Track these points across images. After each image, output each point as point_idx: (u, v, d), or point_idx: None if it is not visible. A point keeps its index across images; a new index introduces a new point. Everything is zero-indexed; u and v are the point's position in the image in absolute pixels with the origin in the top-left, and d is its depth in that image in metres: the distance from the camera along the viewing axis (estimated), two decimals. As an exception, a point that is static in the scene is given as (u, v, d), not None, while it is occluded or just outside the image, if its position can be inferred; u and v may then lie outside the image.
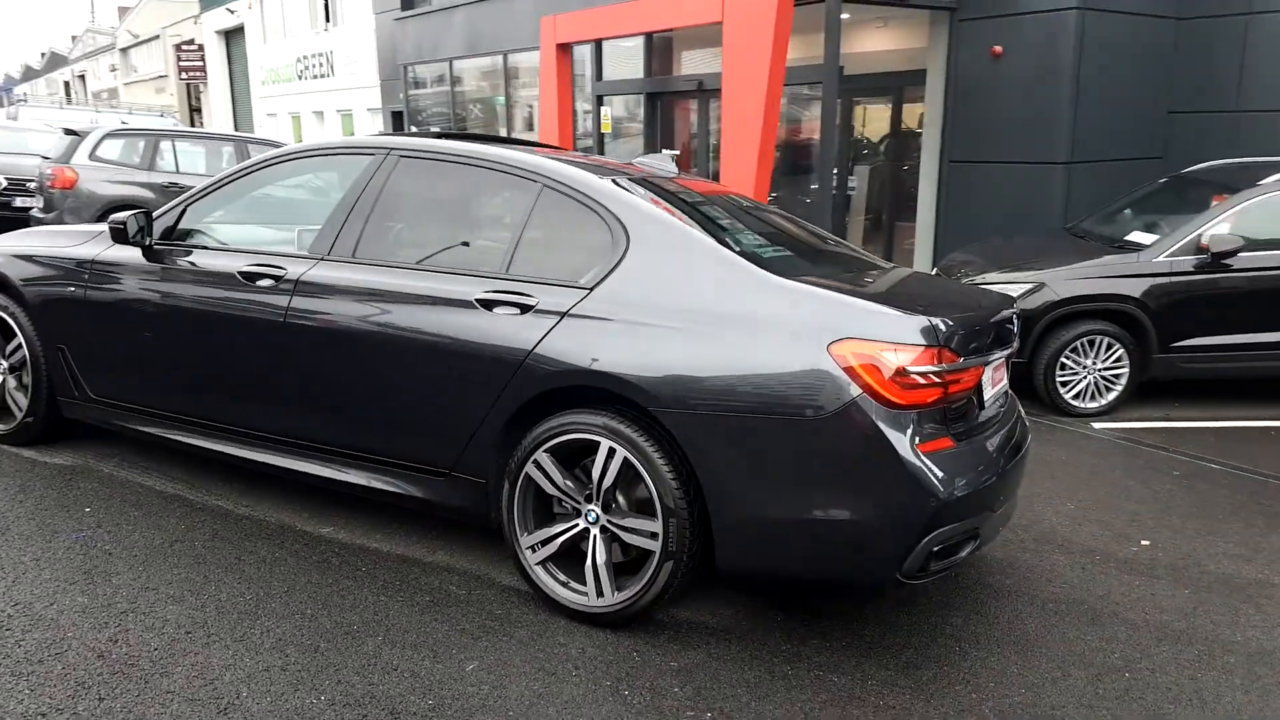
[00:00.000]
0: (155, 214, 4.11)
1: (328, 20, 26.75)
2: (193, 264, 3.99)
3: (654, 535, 3.05)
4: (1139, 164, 9.75)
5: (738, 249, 3.18)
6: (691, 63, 12.08)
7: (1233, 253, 6.25)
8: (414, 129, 19.55)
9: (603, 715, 2.71)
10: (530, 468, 3.24)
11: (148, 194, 11.43)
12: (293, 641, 3.01)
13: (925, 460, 2.80)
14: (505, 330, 3.25)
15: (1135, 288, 6.41)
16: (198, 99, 38.84)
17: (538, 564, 3.29)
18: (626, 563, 3.24)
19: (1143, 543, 4.21)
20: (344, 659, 2.93)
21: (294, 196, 4.53)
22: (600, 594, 3.17)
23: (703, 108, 11.22)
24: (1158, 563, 3.99)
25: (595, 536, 3.19)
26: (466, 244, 3.64)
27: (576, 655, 3.03)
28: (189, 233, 4.15)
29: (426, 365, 3.40)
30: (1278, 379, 6.64)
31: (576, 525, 3.23)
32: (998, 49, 9.47)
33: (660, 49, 12.04)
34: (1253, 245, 6.27)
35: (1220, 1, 9.37)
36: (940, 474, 2.81)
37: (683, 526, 3.00)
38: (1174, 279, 6.39)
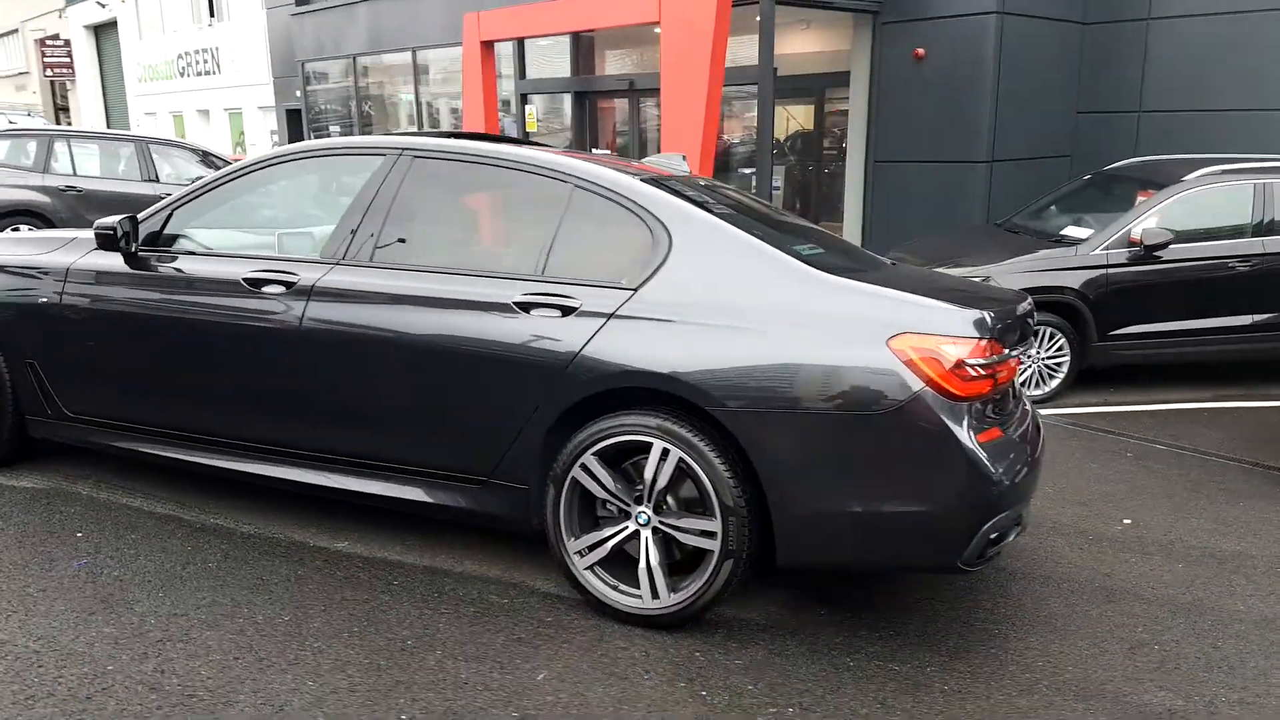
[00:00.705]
0: (140, 218, 3.87)
1: (212, 15, 25.66)
2: (187, 271, 3.78)
3: (711, 534, 3.06)
4: (1050, 162, 10.27)
5: (781, 247, 3.21)
6: (618, 61, 12.10)
7: (1163, 245, 6.64)
8: (314, 131, 18.95)
9: (688, 717, 2.71)
10: (577, 471, 3.20)
11: (43, 198, 10.75)
12: (351, 661, 2.90)
13: (984, 449, 2.90)
14: (549, 333, 3.20)
15: (1074, 280, 6.74)
16: (64, 97, 36.65)
17: (587, 569, 3.25)
18: (670, 564, 3.23)
19: (1125, 521, 4.44)
20: (410, 676, 2.84)
21: (285, 199, 4.34)
22: (656, 595, 3.16)
23: (634, 107, 11.26)
24: (1145, 540, 4.22)
25: (647, 538, 3.17)
26: (494, 246, 3.57)
27: (641, 658, 3.02)
28: (175, 238, 3.93)
29: (462, 371, 3.32)
30: (1206, 362, 7.09)
31: (627, 528, 3.20)
32: (920, 51, 9.82)
33: (587, 47, 12.01)
34: (1181, 238, 6.68)
35: (1123, 7, 9.95)
36: (996, 462, 2.92)
37: (742, 524, 3.02)
38: (1110, 271, 6.74)
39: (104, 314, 3.87)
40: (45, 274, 3.99)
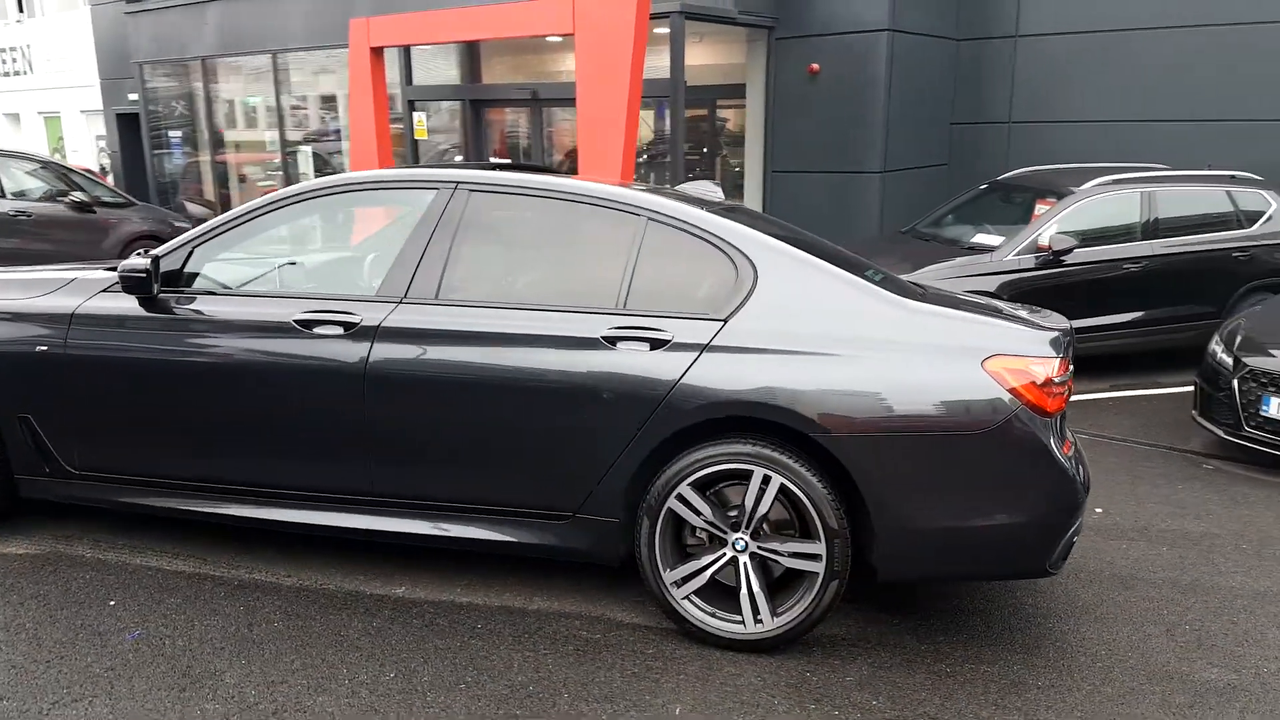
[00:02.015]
0: (158, 254, 3.60)
1: (21, 11, 23.49)
2: (221, 313, 3.56)
3: (815, 556, 3.16)
4: (931, 171, 10.94)
5: (858, 274, 3.36)
6: (517, 70, 11.97)
7: (1068, 250, 7.24)
8: (154, 137, 17.72)
9: (833, 736, 2.81)
10: (674, 502, 3.24)
11: None
12: (482, 714, 2.83)
13: (1068, 460, 3.14)
14: (642, 365, 3.22)
15: (991, 284, 7.24)
16: None
17: (684, 598, 3.30)
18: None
19: (1098, 510, 4.86)
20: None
21: (320, 235, 4.12)
22: (759, 620, 3.24)
23: (536, 117, 11.17)
24: (1124, 527, 4.63)
25: (745, 565, 3.25)
26: (567, 281, 3.53)
27: (761, 684, 3.09)
28: (194, 277, 3.68)
29: (549, 408, 3.29)
30: (1101, 356, 7.77)
31: (724, 555, 3.27)
32: (815, 66, 10.24)
33: (480, 54, 11.82)
34: (1083, 242, 7.31)
35: (992, 25, 10.71)
36: (1077, 471, 3.17)
37: (845, 545, 3.14)
38: (1021, 275, 7.29)
39: (123, 362, 3.58)
40: (43, 320, 3.65)
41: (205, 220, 3.47)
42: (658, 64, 9.58)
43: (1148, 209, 7.59)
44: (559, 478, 3.35)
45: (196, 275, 3.68)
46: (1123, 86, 10.06)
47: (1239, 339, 5.82)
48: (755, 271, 3.29)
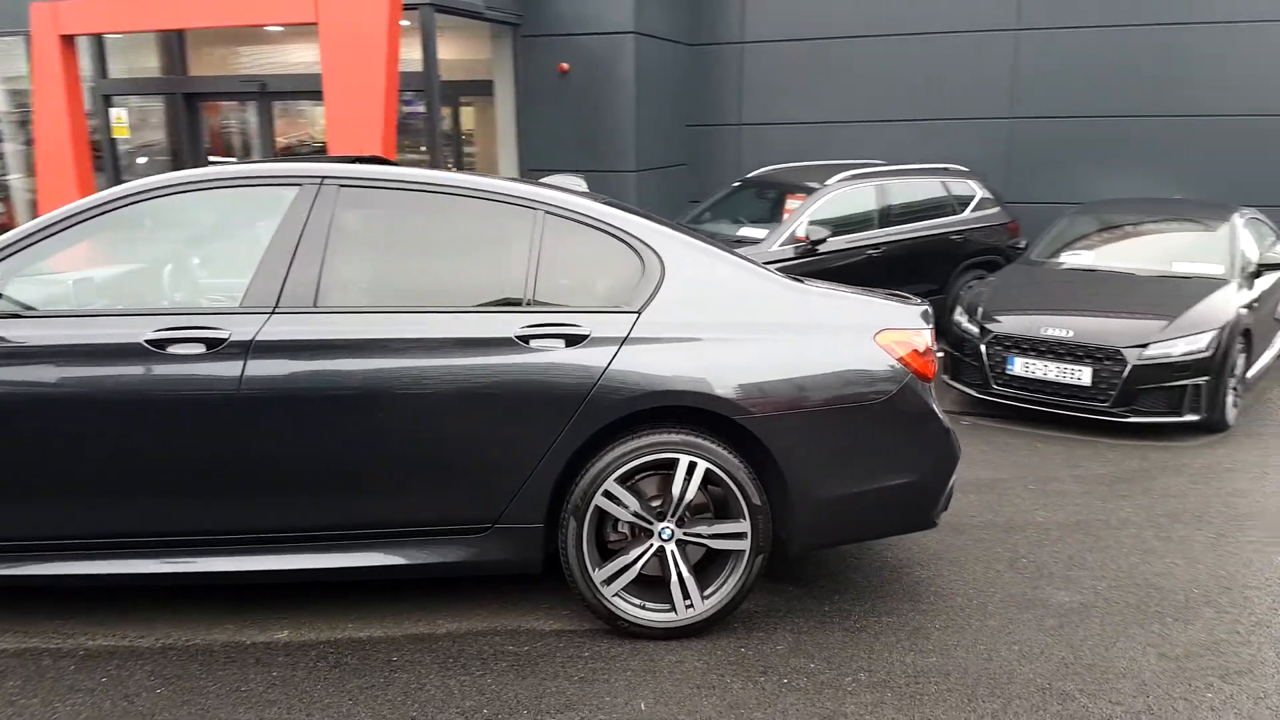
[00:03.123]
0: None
1: None
2: (41, 339, 3.00)
3: (741, 535, 3.25)
4: (674, 171, 11.45)
5: (754, 264, 3.47)
6: (234, 60, 10.96)
7: (823, 240, 7.89)
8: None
9: (797, 703, 2.90)
10: (600, 499, 3.19)
11: None
12: (454, 746, 2.64)
13: (945, 419, 3.46)
14: (560, 363, 3.13)
15: (761, 272, 7.74)
16: None
17: (615, 595, 3.25)
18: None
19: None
20: (528, 742, 2.67)
21: (155, 241, 3.52)
22: (690, 605, 3.27)
23: (264, 112, 10.30)
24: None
25: (672, 552, 3.26)
26: (463, 280, 3.33)
27: (704, 666, 3.12)
28: (-3, 296, 3.08)
29: (462, 417, 3.11)
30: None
31: (651, 545, 3.26)
32: (565, 66, 10.35)
33: (195, 43, 10.70)
34: (835, 232, 8.00)
35: (721, 31, 11.38)
36: (952, 429, 3.50)
37: (767, 521, 3.26)
38: (784, 264, 7.85)
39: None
40: None
41: None
42: (405, 57, 9.22)
43: (882, 200, 8.44)
44: (476, 488, 3.17)
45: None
46: (840, 90, 11.07)
47: (981, 309, 6.64)
48: (661, 263, 3.31)
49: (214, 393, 3.00)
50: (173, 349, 3.01)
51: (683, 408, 3.20)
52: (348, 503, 3.15)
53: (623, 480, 3.21)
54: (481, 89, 11.04)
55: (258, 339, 3.03)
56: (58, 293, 3.29)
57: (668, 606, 3.28)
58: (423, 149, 9.82)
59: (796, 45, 11.10)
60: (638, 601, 3.28)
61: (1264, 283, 6.79)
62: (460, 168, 11.57)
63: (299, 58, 10.38)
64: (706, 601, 3.28)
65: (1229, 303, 6.19)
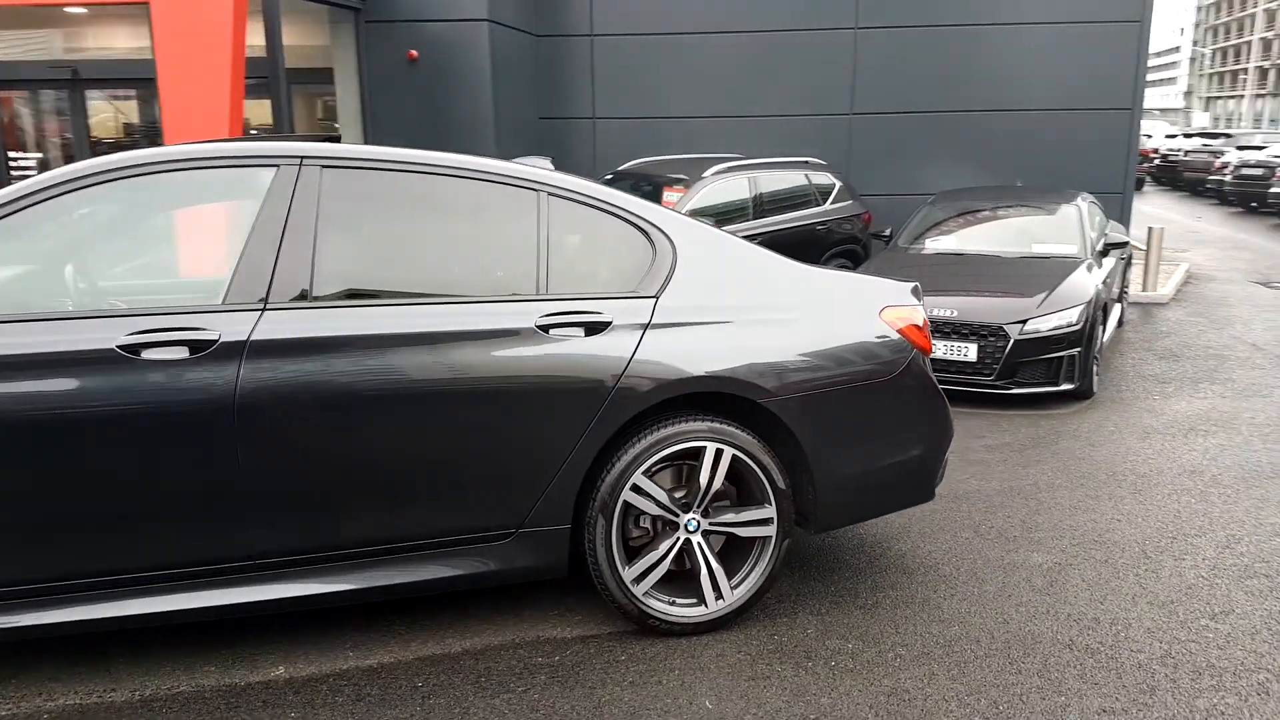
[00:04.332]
0: None
1: None
2: (-10, 345, 2.51)
3: (767, 520, 3.19)
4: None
5: (752, 244, 3.41)
6: (34, 44, 9.73)
7: (705, 229, 7.96)
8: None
9: (851, 687, 2.87)
10: (629, 494, 3.04)
11: None
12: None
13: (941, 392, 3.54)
14: (584, 353, 2.96)
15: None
16: None
17: (645, 594, 3.11)
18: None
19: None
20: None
21: (104, 232, 2.97)
22: (720, 597, 3.17)
23: (77, 101, 9.21)
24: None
25: (699, 544, 3.16)
26: (469, 266, 3.07)
27: (750, 656, 3.04)
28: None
29: (483, 415, 2.87)
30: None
31: (678, 539, 3.14)
32: (413, 53, 9.91)
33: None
34: (715, 224, 8.08)
35: (568, 23, 11.26)
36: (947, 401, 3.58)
37: (790, 504, 3.21)
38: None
39: None
40: None
41: None
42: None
43: (755, 191, 8.60)
44: (500, 492, 2.94)
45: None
46: (691, 85, 11.22)
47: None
48: (673, 245, 3.19)
49: (205, 404, 2.62)
50: (149, 354, 2.60)
51: (703, 394, 3.10)
52: (360, 519, 2.83)
53: (648, 473, 3.07)
54: (319, 78, 10.41)
55: (254, 339, 2.67)
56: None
57: (694, 600, 3.17)
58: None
59: (646, 39, 11.16)
60: (666, 598, 3.15)
61: (1108, 261, 7.46)
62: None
63: (119, 42, 9.38)
64: (735, 592, 3.19)
65: (1089, 280, 6.73)
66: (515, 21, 10.46)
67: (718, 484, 3.13)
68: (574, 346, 2.96)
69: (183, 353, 2.62)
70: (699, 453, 3.10)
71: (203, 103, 7.75)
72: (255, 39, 8.74)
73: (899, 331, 3.35)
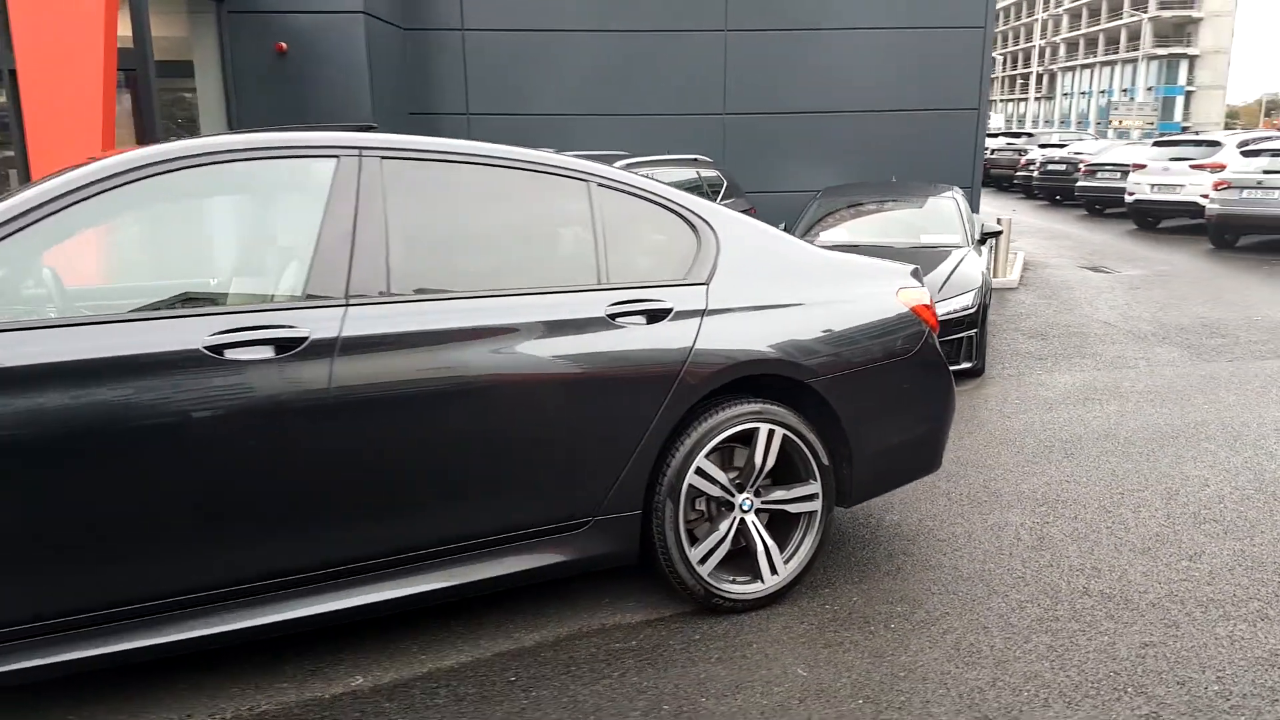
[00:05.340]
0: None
1: None
2: (61, 354, 2.29)
3: (813, 496, 3.33)
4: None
5: (778, 230, 3.55)
6: None
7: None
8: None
9: (921, 645, 3.05)
10: (693, 477, 3.11)
11: None
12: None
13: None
14: (653, 340, 3.00)
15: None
16: None
17: (709, 574, 3.18)
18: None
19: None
20: (743, 727, 2.56)
21: (167, 226, 2.68)
22: (775, 572, 3.28)
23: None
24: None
25: (753, 522, 3.26)
26: (531, 257, 3.03)
27: (821, 624, 3.16)
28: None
29: (565, 403, 2.87)
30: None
31: (734, 519, 3.24)
32: (282, 45, 9.44)
33: None
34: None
35: (438, 17, 11.02)
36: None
37: (832, 480, 3.37)
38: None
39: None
40: None
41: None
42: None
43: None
44: (579, 481, 2.94)
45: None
46: (565, 82, 11.23)
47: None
48: (715, 234, 3.27)
49: (298, 405, 2.49)
50: (232, 354, 2.44)
51: (758, 376, 3.21)
52: (449, 515, 2.76)
53: (708, 456, 3.15)
54: (176, 70, 9.72)
55: (343, 336, 2.56)
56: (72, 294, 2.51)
57: (750, 577, 3.27)
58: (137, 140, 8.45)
59: (518, 35, 11.08)
60: (728, 577, 3.24)
61: (985, 249, 8.09)
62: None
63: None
64: (787, 567, 3.32)
65: (977, 266, 7.29)
66: (385, 14, 10.16)
67: (770, 464, 3.25)
68: (642, 334, 3.00)
69: (268, 352, 2.48)
70: (750, 434, 3.20)
71: (71, 98, 7.11)
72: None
73: (914, 310, 3.57)
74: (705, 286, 3.17)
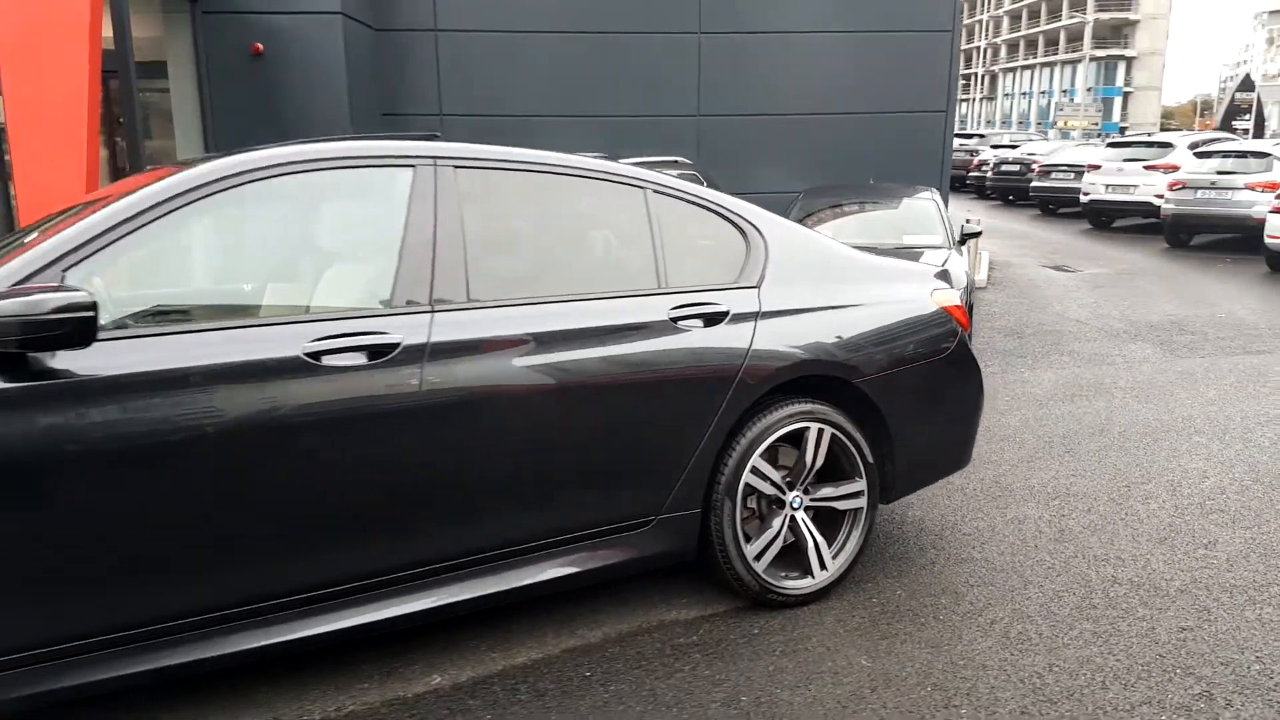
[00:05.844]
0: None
1: None
2: (171, 362, 2.30)
3: (859, 494, 3.43)
4: (377, 160, 10.83)
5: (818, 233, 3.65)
6: None
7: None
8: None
9: (972, 635, 3.16)
10: (748, 475, 3.19)
11: None
12: (769, 738, 2.53)
13: (976, 366, 3.93)
14: (712, 341, 3.08)
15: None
16: None
17: (764, 570, 3.27)
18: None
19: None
20: (796, 714, 2.65)
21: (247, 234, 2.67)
22: (824, 568, 3.38)
23: None
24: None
25: (803, 519, 3.36)
26: (599, 263, 3.10)
27: (868, 622, 3.25)
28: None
29: (632, 404, 2.94)
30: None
31: (786, 516, 3.33)
32: (259, 46, 9.33)
33: None
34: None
35: (411, 17, 10.96)
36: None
37: (876, 477, 3.48)
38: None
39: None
40: None
41: None
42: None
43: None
44: (645, 480, 3.01)
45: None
46: (539, 84, 11.24)
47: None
48: (764, 237, 3.36)
49: (393, 410, 2.53)
50: (329, 360, 2.47)
51: (810, 377, 3.30)
52: (528, 515, 2.81)
53: (763, 455, 3.24)
54: (149, 71, 9.54)
55: (433, 342, 2.59)
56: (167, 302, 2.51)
57: (800, 573, 3.36)
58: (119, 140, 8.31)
59: (492, 36, 11.07)
60: (781, 573, 3.33)
61: (965, 250, 8.31)
62: (144, 161, 9.89)
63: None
64: (835, 562, 3.41)
65: (960, 265, 7.48)
66: (359, 14, 10.08)
67: (820, 462, 3.34)
68: (702, 336, 3.07)
69: (361, 358, 2.51)
70: (800, 434, 3.30)
71: (54, 100, 6.97)
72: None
73: (947, 310, 3.70)
74: (757, 290, 3.25)
